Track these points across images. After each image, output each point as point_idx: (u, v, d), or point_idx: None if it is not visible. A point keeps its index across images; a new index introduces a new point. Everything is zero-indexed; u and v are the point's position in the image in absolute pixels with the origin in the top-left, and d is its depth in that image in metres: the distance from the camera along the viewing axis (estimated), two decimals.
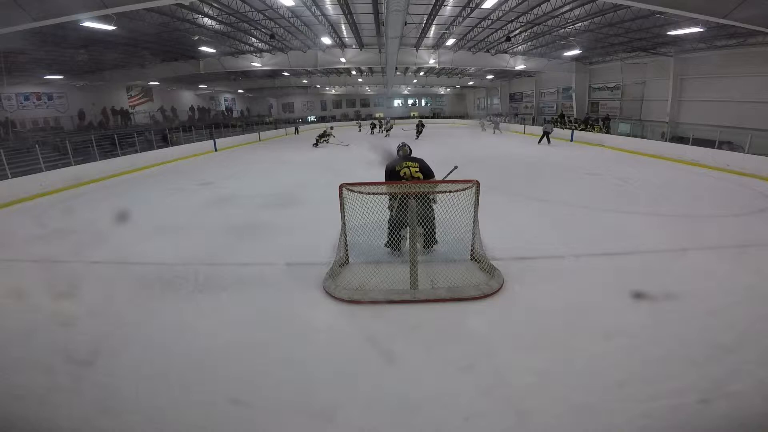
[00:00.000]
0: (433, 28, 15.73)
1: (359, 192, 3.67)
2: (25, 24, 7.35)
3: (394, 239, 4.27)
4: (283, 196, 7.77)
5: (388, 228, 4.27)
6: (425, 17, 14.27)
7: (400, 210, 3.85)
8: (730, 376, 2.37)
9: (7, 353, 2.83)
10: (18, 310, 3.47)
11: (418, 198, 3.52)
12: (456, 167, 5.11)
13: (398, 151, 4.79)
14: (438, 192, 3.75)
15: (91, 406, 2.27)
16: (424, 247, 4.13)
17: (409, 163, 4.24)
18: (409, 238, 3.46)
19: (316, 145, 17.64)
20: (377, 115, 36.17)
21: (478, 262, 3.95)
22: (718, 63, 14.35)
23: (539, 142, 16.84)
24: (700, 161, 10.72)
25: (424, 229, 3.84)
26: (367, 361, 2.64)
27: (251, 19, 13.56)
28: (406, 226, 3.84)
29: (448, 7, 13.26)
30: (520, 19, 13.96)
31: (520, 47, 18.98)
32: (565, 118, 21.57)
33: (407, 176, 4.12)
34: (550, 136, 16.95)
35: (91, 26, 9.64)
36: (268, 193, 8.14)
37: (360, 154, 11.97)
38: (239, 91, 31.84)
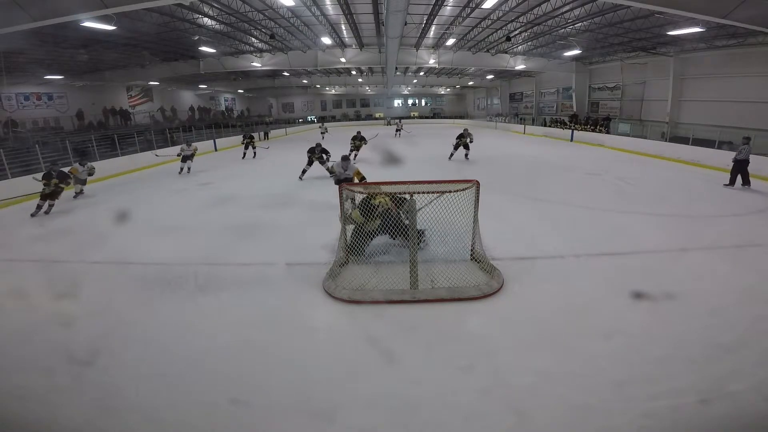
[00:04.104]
0: (433, 28, 15.74)
1: (359, 192, 3.68)
2: (25, 24, 7.35)
3: (361, 249, 3.96)
4: (283, 196, 7.77)
5: (360, 240, 3.94)
6: (425, 17, 14.28)
7: (385, 224, 3.92)
8: (730, 376, 2.37)
9: (7, 353, 2.82)
10: (18, 310, 3.47)
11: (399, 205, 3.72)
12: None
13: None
14: (437, 192, 3.76)
15: (91, 406, 2.27)
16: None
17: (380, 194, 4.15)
18: (410, 241, 3.45)
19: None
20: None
21: (478, 262, 3.95)
22: (718, 63, 14.35)
23: (731, 183, 7.94)
24: (700, 161, 10.72)
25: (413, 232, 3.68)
26: (367, 361, 2.64)
27: (251, 19, 13.57)
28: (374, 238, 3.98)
29: (448, 7, 13.27)
30: (520, 19, 13.96)
31: (520, 47, 18.98)
32: (576, 119, 21.38)
33: (384, 205, 3.96)
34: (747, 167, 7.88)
35: (91, 26, 9.65)
36: (268, 193, 8.13)
37: (360, 155, 11.95)
38: (239, 91, 31.84)
